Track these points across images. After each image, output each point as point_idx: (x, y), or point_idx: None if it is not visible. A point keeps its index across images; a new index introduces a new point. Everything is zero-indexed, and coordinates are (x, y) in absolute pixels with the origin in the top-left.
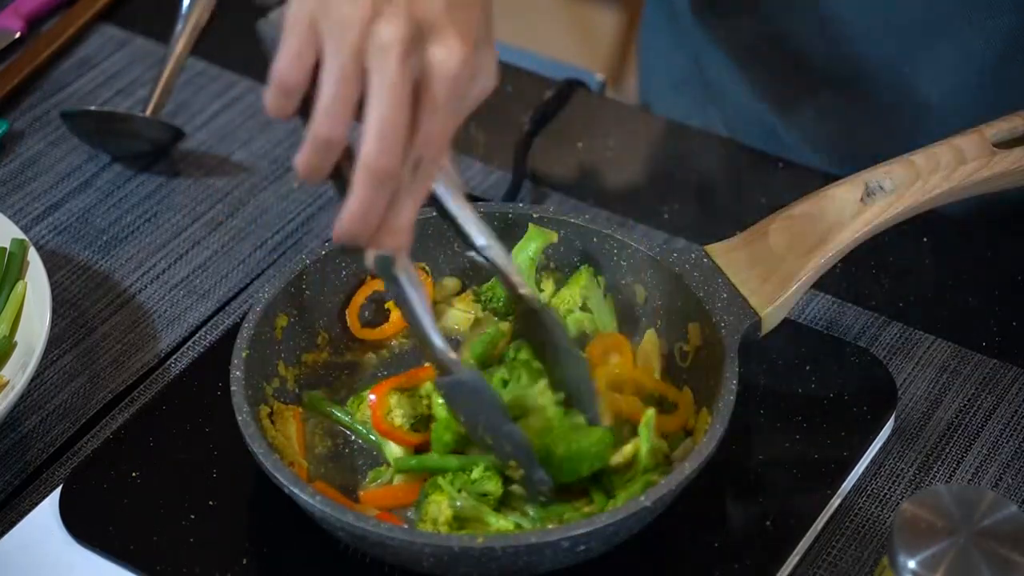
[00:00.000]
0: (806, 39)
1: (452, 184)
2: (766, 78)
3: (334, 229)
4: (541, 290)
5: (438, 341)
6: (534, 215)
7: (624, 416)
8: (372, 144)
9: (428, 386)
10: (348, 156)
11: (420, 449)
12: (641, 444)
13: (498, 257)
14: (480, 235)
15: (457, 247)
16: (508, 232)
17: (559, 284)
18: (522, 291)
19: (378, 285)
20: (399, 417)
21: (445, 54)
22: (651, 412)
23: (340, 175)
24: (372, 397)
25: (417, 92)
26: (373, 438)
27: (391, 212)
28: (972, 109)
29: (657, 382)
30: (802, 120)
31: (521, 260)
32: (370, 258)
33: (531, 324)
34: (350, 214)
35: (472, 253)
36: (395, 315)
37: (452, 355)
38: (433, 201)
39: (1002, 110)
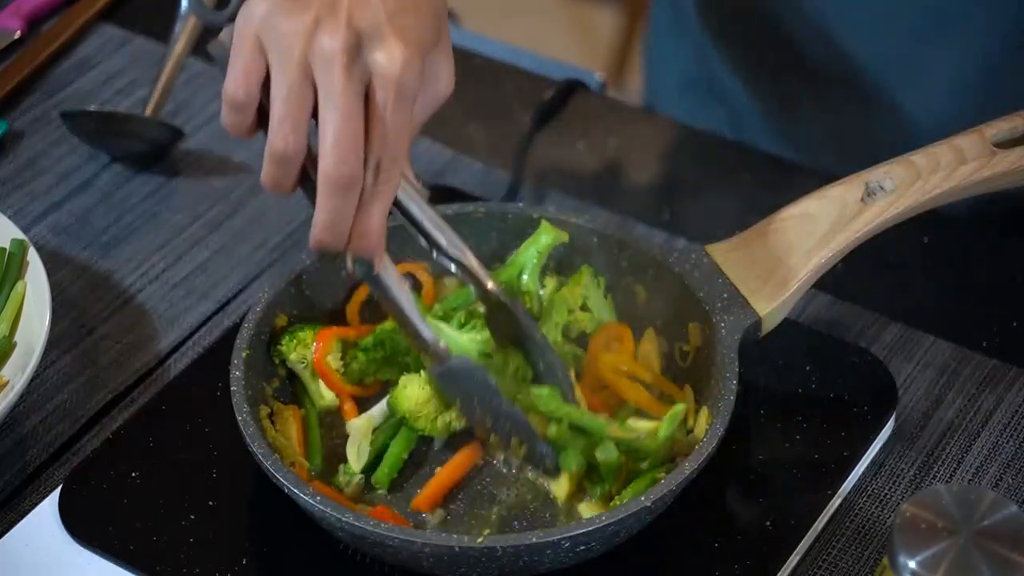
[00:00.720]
0: (808, 37)
1: (412, 189)
2: (769, 77)
3: (309, 242)
4: (543, 286)
5: (427, 333)
6: (534, 215)
7: (632, 402)
8: (328, 154)
9: (366, 341)
10: (314, 162)
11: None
12: (662, 428)
13: (463, 256)
14: (443, 237)
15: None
16: (507, 232)
17: (560, 284)
18: (490, 286)
19: None
20: (333, 362)
21: (387, 58)
22: (681, 407)
23: (309, 181)
24: (317, 344)
25: (367, 99)
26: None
27: (360, 217)
28: (974, 108)
29: (658, 376)
30: (806, 119)
31: (529, 255)
32: (350, 263)
33: (501, 319)
34: (319, 225)
35: (437, 256)
36: None
37: (442, 345)
38: (395, 206)
39: (1004, 109)
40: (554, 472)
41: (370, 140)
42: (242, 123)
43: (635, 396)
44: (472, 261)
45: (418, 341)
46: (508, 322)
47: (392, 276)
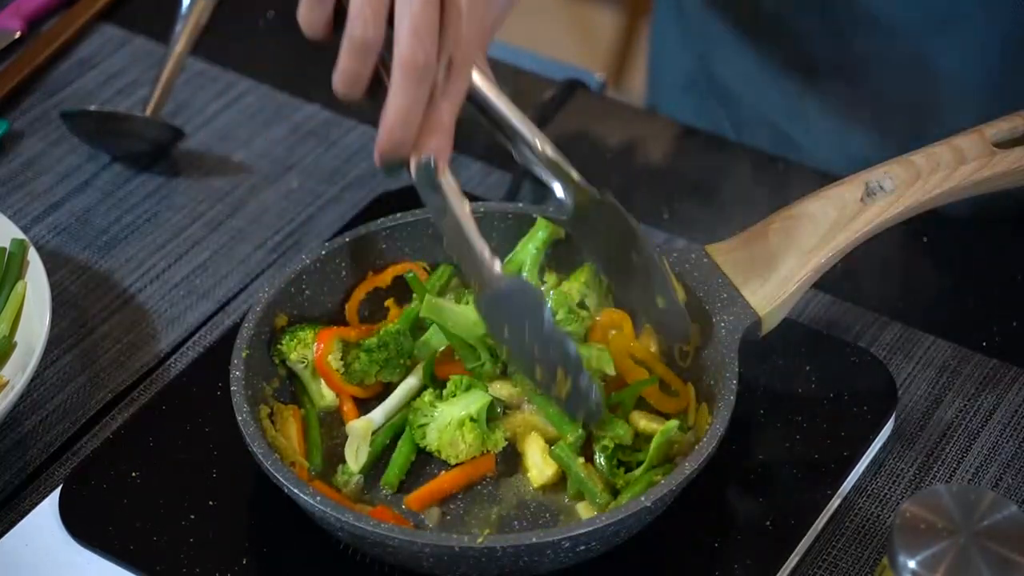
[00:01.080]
0: (812, 37)
1: (492, 86)
2: (772, 77)
3: (376, 143)
4: (543, 282)
5: (484, 251)
6: (535, 215)
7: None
8: (405, 40)
9: (370, 341)
10: (387, 69)
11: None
12: (654, 440)
13: (552, 152)
14: (534, 136)
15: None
16: (508, 231)
17: (559, 280)
18: (577, 179)
19: (377, 282)
20: (334, 362)
21: None
22: (673, 424)
23: (376, 93)
24: (320, 346)
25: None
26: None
27: (431, 113)
28: (976, 108)
29: (664, 367)
30: (808, 119)
31: (527, 251)
32: (414, 167)
33: (590, 217)
34: (392, 114)
35: (516, 151)
36: (393, 312)
37: (497, 266)
38: (482, 109)
39: (1006, 108)
40: (596, 414)
41: (444, 37)
42: (319, 19)
43: (642, 384)
44: (558, 156)
45: (472, 260)
46: (596, 217)
47: (453, 187)
